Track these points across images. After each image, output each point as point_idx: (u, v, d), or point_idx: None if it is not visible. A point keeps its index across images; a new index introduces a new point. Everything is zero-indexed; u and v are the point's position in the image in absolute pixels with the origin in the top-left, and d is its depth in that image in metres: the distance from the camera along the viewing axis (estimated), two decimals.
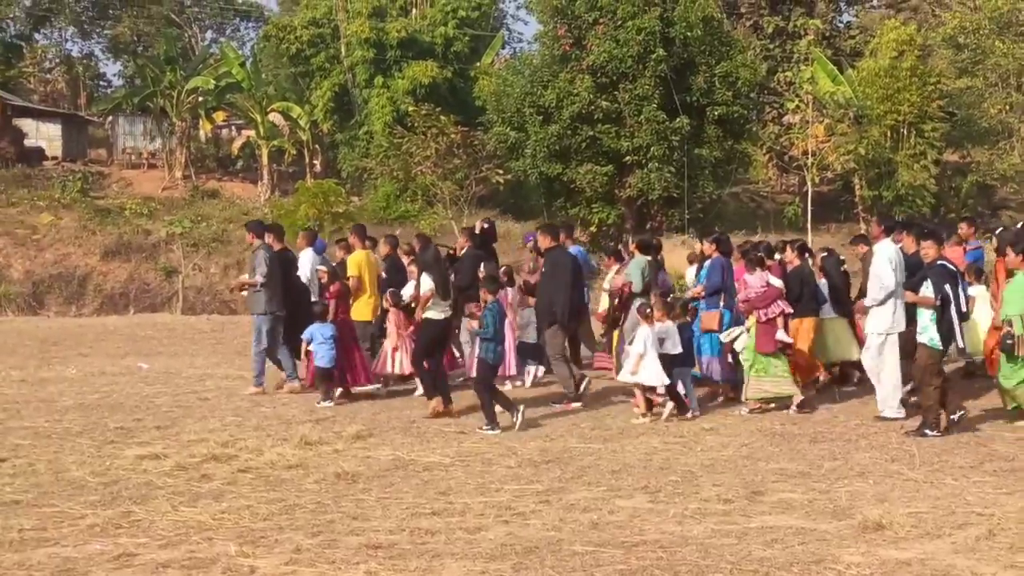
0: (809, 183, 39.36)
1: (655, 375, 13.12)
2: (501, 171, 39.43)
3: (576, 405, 14.17)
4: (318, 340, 14.59)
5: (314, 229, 18.05)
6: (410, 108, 41.01)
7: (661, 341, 13.24)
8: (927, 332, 12.19)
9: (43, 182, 44.55)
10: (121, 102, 53.04)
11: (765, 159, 44.36)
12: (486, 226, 17.14)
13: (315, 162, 49.56)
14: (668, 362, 13.26)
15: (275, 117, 48.70)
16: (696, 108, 36.28)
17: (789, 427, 12.76)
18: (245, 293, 16.07)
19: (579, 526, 8.38)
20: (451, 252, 16.25)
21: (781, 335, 13.71)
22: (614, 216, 36.63)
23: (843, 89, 39.29)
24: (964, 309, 12.37)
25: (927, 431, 12.01)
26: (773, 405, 13.82)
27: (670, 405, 13.36)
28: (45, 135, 51.05)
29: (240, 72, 47.09)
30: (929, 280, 12.21)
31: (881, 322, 13.13)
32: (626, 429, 12.69)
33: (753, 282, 13.97)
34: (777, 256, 15.01)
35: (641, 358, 13.08)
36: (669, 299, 14.27)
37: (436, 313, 13.53)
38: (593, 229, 36.89)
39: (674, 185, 35.66)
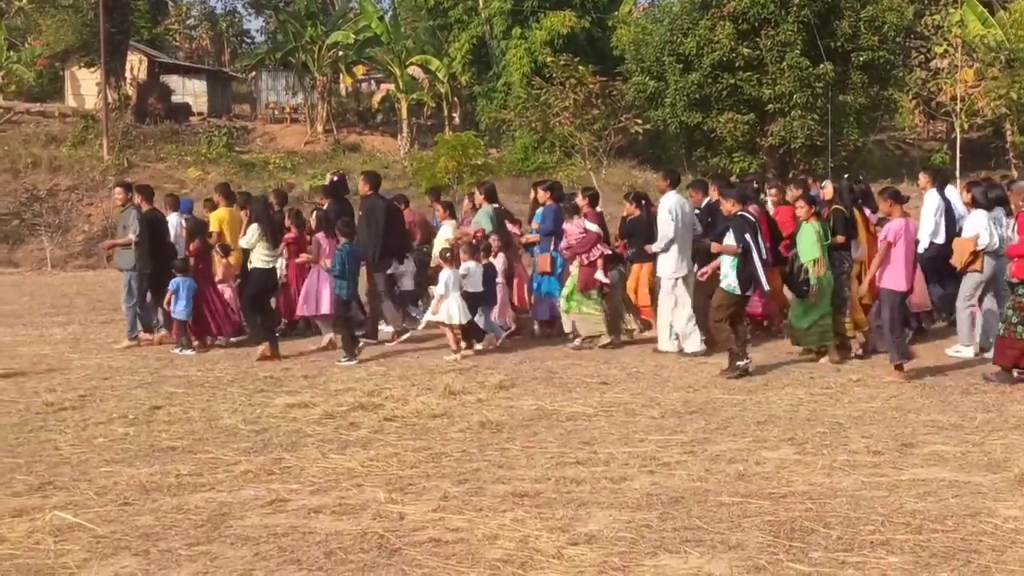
0: (958, 129, 38.30)
1: (456, 313, 14.28)
2: (640, 121, 39.14)
3: (404, 338, 15.46)
4: (178, 293, 15.18)
5: (176, 195, 18.99)
6: (548, 59, 40.87)
7: (464, 277, 14.56)
8: (727, 279, 12.90)
9: (190, 138, 45.60)
10: (264, 58, 54.01)
11: (911, 105, 43.30)
12: (336, 179, 17.78)
13: (454, 114, 49.81)
14: (470, 300, 14.58)
15: (414, 70, 49.00)
16: (840, 54, 35.51)
17: (940, 378, 12.46)
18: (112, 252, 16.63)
19: (725, 477, 8.30)
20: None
21: (599, 275, 14.77)
22: (755, 165, 36.13)
23: (994, 32, 38.02)
24: (764, 256, 12.91)
25: (738, 363, 12.77)
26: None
27: (464, 346, 14.54)
28: (191, 91, 52.19)
29: (379, 26, 47.47)
30: (731, 230, 12.91)
31: (668, 267, 14.37)
32: (770, 380, 12.52)
33: (572, 229, 14.97)
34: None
35: (442, 299, 14.30)
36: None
37: (263, 263, 14.59)
38: (734, 179, 36.39)
39: (817, 133, 35.03)
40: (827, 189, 14.82)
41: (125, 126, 44.27)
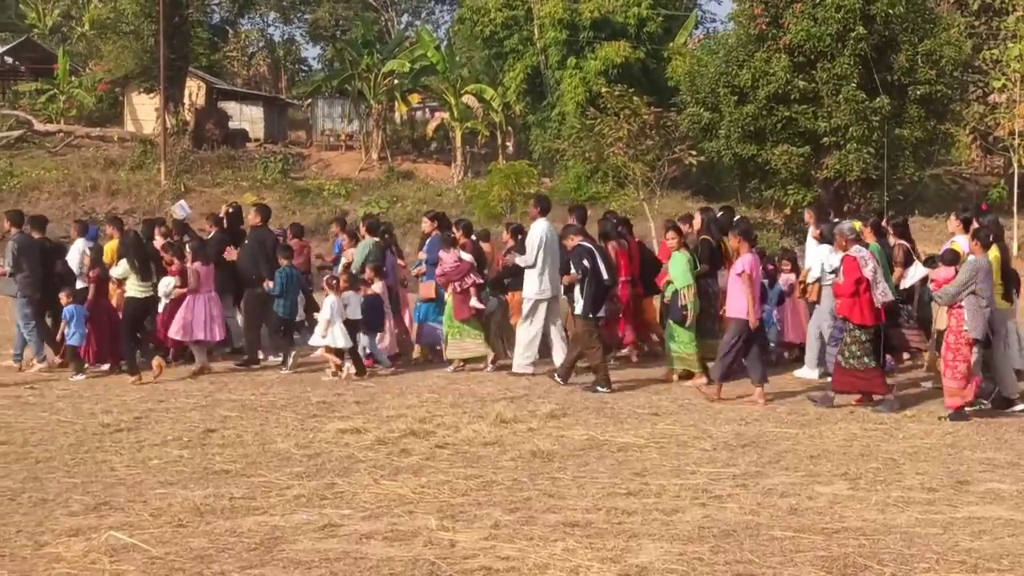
0: (1015, 164, 37.86)
1: (340, 338, 14.92)
2: (694, 152, 39.04)
3: (287, 372, 15.65)
4: (73, 320, 15.29)
5: (85, 220, 19.15)
6: (603, 89, 40.90)
7: (345, 306, 15.06)
8: (576, 305, 14.19)
9: (246, 163, 46.06)
10: (320, 85, 54.45)
11: (968, 140, 42.89)
12: (231, 211, 18.21)
13: (507, 143, 49.96)
14: (351, 327, 15.16)
15: (468, 99, 49.20)
16: (897, 87, 35.23)
17: (996, 416, 12.32)
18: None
19: (777, 511, 8.26)
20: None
21: (474, 302, 15.45)
22: (810, 198, 35.83)
23: None
24: (604, 278, 14.08)
25: (599, 388, 13.88)
26: (471, 365, 15.78)
27: (347, 365, 15.20)
28: (248, 117, 52.68)
29: (435, 55, 47.77)
30: (571, 261, 14.18)
31: (530, 289, 15.16)
32: (824, 415, 12.45)
33: (447, 259, 15.62)
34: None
35: (329, 324, 14.85)
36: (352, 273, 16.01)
37: (137, 292, 15.10)
38: (787, 211, 36.27)
39: (873, 166, 34.72)
40: (696, 220, 15.91)
41: (183, 151, 44.79)
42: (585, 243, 14.33)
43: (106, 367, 15.78)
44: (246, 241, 16.71)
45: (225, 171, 44.36)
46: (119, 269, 15.22)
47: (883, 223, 15.92)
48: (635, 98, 39.06)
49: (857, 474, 9.48)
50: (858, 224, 14.31)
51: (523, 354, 15.34)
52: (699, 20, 55.62)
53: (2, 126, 48.29)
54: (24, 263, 15.83)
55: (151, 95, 47.30)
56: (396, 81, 50.18)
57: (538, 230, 15.25)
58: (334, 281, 15.25)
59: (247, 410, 12.71)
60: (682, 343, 14.42)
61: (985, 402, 12.45)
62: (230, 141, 48.39)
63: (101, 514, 8.17)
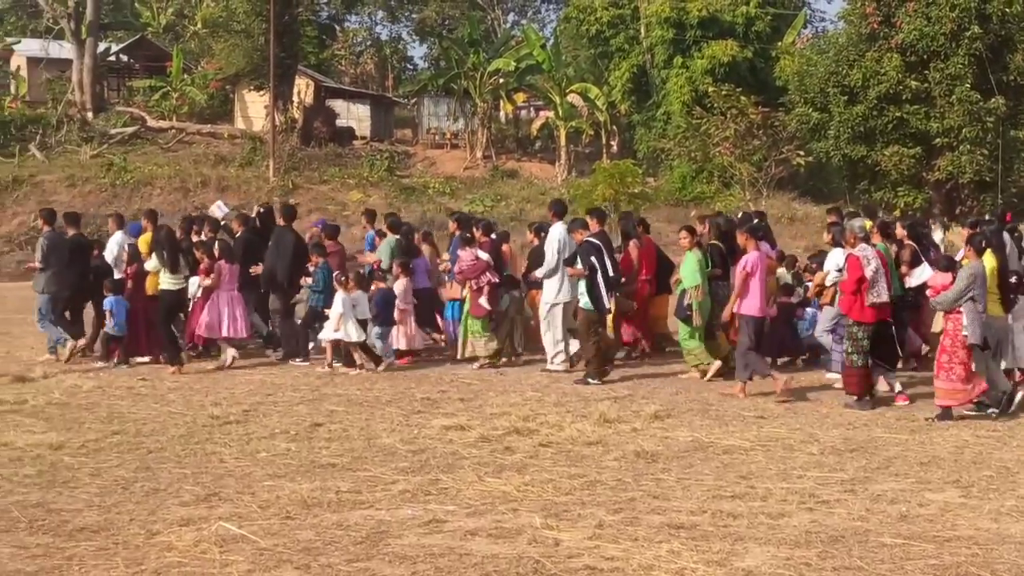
0: None
1: (354, 332, 15.28)
2: (802, 153, 38.63)
3: (302, 363, 15.97)
4: (115, 311, 15.85)
5: (120, 214, 19.33)
6: (709, 88, 40.64)
7: (354, 306, 15.34)
8: (583, 298, 14.54)
9: (353, 161, 46.52)
10: (426, 84, 54.83)
11: None
12: (262, 211, 18.66)
13: (612, 143, 49.83)
14: (361, 323, 15.48)
15: (574, 98, 49.18)
16: (1013, 88, 34.48)
17: None
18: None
19: (887, 517, 8.11)
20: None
21: (482, 301, 15.62)
22: (921, 200, 35.30)
23: None
24: (611, 275, 14.59)
25: (590, 380, 14.25)
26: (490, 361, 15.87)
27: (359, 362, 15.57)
28: (355, 115, 53.15)
29: (541, 54, 47.83)
30: (579, 256, 14.55)
31: (550, 293, 15.41)
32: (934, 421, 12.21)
33: (465, 256, 15.89)
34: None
35: (341, 318, 15.15)
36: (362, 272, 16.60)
37: (169, 284, 15.53)
38: (897, 213, 35.66)
39: (987, 168, 34.04)
40: (703, 227, 16.05)
41: (291, 148, 45.40)
42: (593, 239, 14.69)
43: (146, 360, 16.18)
44: (271, 242, 16.92)
45: (332, 168, 44.84)
46: (152, 262, 15.72)
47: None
48: (742, 97, 38.82)
49: (969, 482, 9.27)
50: (869, 223, 14.40)
51: (553, 354, 15.53)
52: (808, 19, 55.12)
53: (117, 122, 49.38)
54: (52, 260, 16.33)
55: (261, 93, 48.02)
56: (502, 80, 50.33)
57: (556, 234, 15.46)
58: (343, 279, 15.57)
59: (353, 405, 12.83)
60: (683, 338, 15.00)
61: (995, 409, 12.41)
62: (337, 139, 48.87)
63: (211, 505, 8.31)
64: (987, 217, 19.53)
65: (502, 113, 56.03)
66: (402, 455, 10.13)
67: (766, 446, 10.71)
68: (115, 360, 15.96)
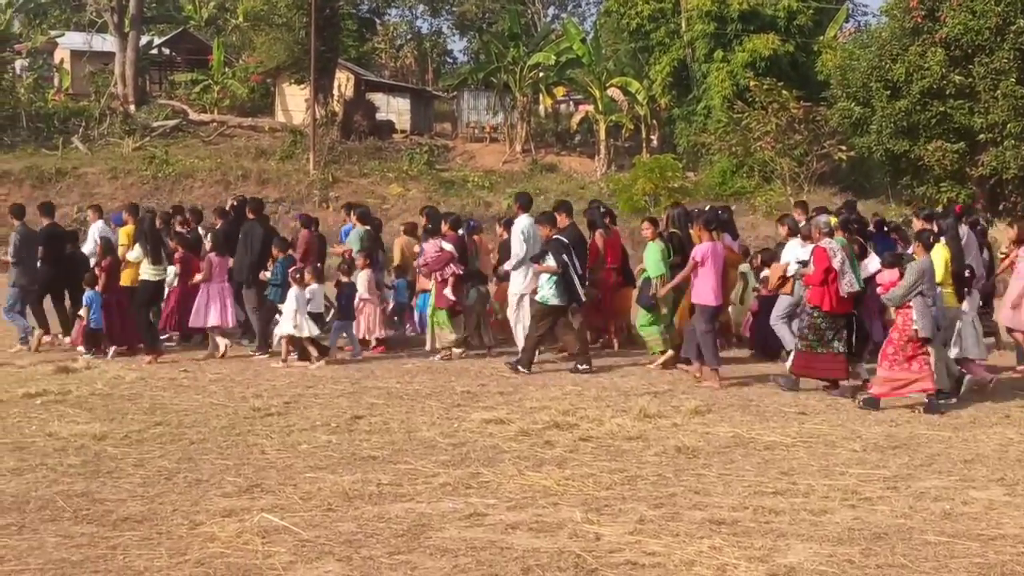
0: None
1: (306, 328, 15.39)
2: (844, 148, 38.36)
3: (262, 357, 16.04)
4: (92, 305, 16.06)
5: (99, 205, 19.93)
6: (750, 82, 40.41)
7: (309, 300, 15.54)
8: (541, 291, 14.90)
9: (392, 154, 46.55)
10: (466, 78, 54.77)
11: None
12: (235, 203, 18.69)
13: (652, 137, 49.60)
14: (316, 318, 15.77)
15: (614, 92, 49.02)
16: None
17: None
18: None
19: (930, 515, 8.06)
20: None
21: (447, 292, 15.92)
22: (964, 196, 34.99)
23: None
24: (580, 272, 14.90)
25: (520, 367, 14.74)
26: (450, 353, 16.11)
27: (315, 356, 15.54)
28: (395, 109, 53.21)
29: (581, 48, 47.69)
30: (550, 252, 14.74)
31: (516, 285, 15.70)
32: (978, 418, 12.11)
33: (429, 248, 16.18)
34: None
35: (296, 313, 15.26)
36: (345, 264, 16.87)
37: (150, 275, 15.82)
38: (940, 208, 35.35)
39: None
40: (664, 217, 16.71)
41: (331, 141, 45.47)
42: (560, 236, 15.01)
43: (122, 349, 16.33)
44: (239, 235, 16.98)
45: (372, 162, 44.91)
46: (134, 252, 15.90)
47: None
48: (784, 92, 38.56)
49: (1014, 480, 9.20)
50: (833, 219, 14.78)
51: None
52: (850, 13, 54.65)
53: (159, 115, 49.65)
54: (24, 254, 16.58)
55: (301, 86, 48.12)
56: (541, 74, 50.21)
57: (520, 226, 15.74)
58: (298, 275, 15.67)
59: (393, 398, 12.87)
60: (642, 325, 15.59)
61: (954, 399, 12.91)
62: (377, 132, 48.92)
63: (253, 496, 8.35)
64: (939, 209, 19.92)
65: (542, 107, 55.92)
66: (442, 448, 10.15)
67: (807, 442, 10.66)
68: (103, 352, 16.15)
